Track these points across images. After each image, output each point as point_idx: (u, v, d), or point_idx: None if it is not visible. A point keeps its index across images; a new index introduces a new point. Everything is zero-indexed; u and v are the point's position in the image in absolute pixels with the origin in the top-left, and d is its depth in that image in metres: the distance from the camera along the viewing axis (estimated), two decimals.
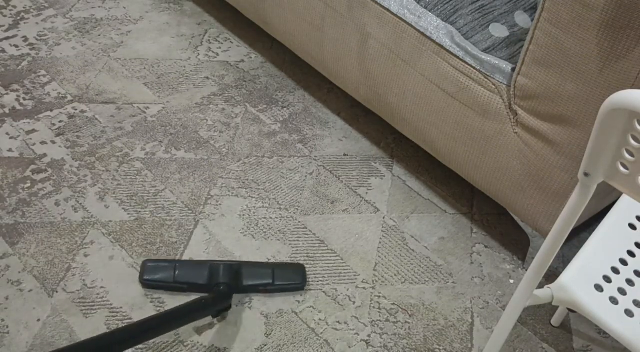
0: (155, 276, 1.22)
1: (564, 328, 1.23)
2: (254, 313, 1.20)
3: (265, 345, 1.16)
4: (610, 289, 0.85)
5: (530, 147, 1.12)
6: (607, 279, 0.86)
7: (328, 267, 1.29)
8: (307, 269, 1.28)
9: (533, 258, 0.97)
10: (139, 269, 1.25)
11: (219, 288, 1.19)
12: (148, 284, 1.22)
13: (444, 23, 1.18)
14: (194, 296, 1.21)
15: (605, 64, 0.93)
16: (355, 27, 1.32)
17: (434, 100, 1.24)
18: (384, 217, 1.39)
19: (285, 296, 1.23)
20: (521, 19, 1.21)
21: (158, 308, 1.19)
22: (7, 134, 1.48)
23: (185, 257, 1.28)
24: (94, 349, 0.91)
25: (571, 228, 0.75)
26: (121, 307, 1.19)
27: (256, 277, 1.23)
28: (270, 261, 1.28)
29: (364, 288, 1.26)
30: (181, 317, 1.07)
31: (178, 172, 1.44)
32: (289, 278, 1.24)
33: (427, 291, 1.27)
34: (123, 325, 0.97)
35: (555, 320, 1.23)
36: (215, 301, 1.15)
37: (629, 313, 0.82)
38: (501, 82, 1.12)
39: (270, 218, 1.37)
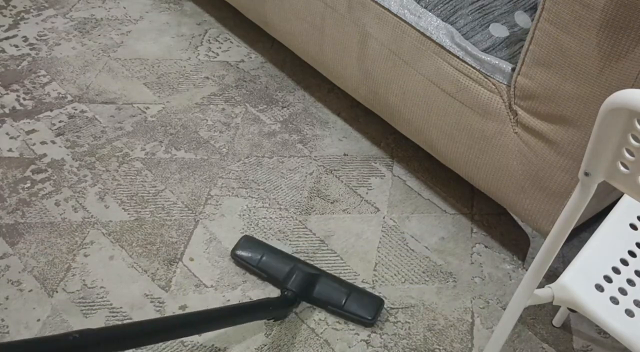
0: (244, 253, 1.26)
1: (564, 328, 1.23)
2: None
3: (265, 345, 1.16)
4: (611, 289, 0.85)
5: (530, 147, 1.12)
6: (608, 279, 0.86)
7: (328, 267, 1.29)
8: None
9: (533, 258, 0.97)
10: (238, 240, 1.28)
11: (285, 294, 1.17)
12: (235, 259, 1.27)
13: (444, 23, 1.18)
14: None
15: (605, 64, 0.93)
16: (355, 27, 1.32)
17: (434, 100, 1.24)
18: (384, 217, 1.39)
19: None
20: (521, 19, 1.21)
21: (158, 308, 1.19)
22: (7, 134, 1.48)
23: (185, 257, 1.28)
24: (153, 330, 0.92)
25: (571, 228, 0.75)
26: (121, 307, 1.19)
27: (328, 294, 1.19)
28: (353, 284, 1.23)
29: (364, 288, 1.26)
30: (241, 315, 1.07)
31: (178, 172, 1.44)
32: (360, 308, 1.18)
33: (427, 291, 1.27)
34: (176, 314, 0.97)
35: (557, 320, 1.23)
36: (277, 306, 1.14)
37: (629, 313, 0.82)
38: (501, 82, 1.12)
39: (270, 218, 1.37)
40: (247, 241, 1.28)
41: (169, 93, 1.63)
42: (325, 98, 1.66)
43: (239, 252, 1.26)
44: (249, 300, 1.22)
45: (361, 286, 1.26)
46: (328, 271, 1.25)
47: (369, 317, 1.18)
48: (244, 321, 1.09)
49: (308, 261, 1.28)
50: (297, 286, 1.19)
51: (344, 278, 1.27)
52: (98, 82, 1.63)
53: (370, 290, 1.25)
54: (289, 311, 1.18)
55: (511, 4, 1.22)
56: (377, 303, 1.20)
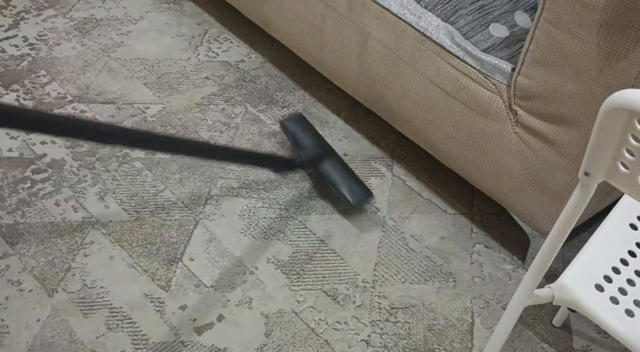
0: (292, 126, 1.46)
1: (564, 328, 1.23)
2: (254, 313, 1.20)
3: (265, 345, 1.16)
4: (611, 289, 0.85)
5: (530, 147, 1.12)
6: (608, 279, 0.86)
7: (328, 267, 1.29)
8: (308, 267, 1.28)
9: (533, 258, 0.97)
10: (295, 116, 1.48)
11: (295, 159, 1.36)
12: (283, 125, 1.47)
13: (444, 23, 1.18)
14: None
15: (605, 64, 0.93)
16: (355, 27, 1.32)
17: (434, 100, 1.24)
18: (384, 217, 1.39)
19: (285, 296, 1.23)
20: (521, 19, 1.21)
21: (158, 308, 1.19)
22: (7, 134, 1.48)
23: (185, 257, 1.28)
24: (175, 144, 1.02)
25: (571, 228, 0.75)
26: (121, 307, 1.19)
27: (329, 172, 1.38)
28: (354, 173, 1.41)
29: (364, 288, 1.26)
30: (251, 157, 1.22)
31: (178, 172, 1.44)
32: (349, 192, 1.35)
33: (427, 291, 1.27)
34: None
35: (557, 320, 1.23)
36: (284, 164, 1.32)
37: (629, 313, 0.82)
38: (501, 82, 1.12)
39: (270, 218, 1.37)
40: (298, 118, 1.49)
41: (169, 93, 1.63)
42: (325, 98, 1.66)
43: (288, 123, 1.46)
44: (248, 298, 1.22)
45: (361, 285, 1.26)
46: (342, 162, 1.42)
47: (351, 202, 1.34)
48: (250, 163, 1.24)
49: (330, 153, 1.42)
50: (309, 158, 1.38)
51: (344, 278, 1.27)
52: (98, 82, 1.63)
53: (370, 290, 1.25)
54: (290, 172, 1.39)
55: (511, 4, 1.22)
56: (365, 194, 1.37)
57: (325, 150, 1.43)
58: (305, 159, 1.37)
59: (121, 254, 1.27)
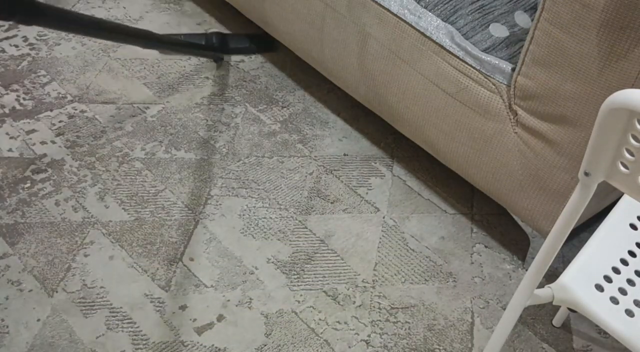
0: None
1: (564, 328, 1.23)
2: (254, 313, 1.20)
3: (265, 345, 1.16)
4: (611, 289, 0.85)
5: (530, 147, 1.12)
6: (608, 279, 0.86)
7: (328, 267, 1.29)
8: (308, 267, 1.28)
9: (533, 258, 0.97)
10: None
11: (212, 41, 1.69)
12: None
13: (444, 23, 1.18)
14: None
15: (605, 64, 0.93)
16: (355, 27, 1.32)
17: (434, 100, 1.24)
18: (384, 217, 1.39)
19: (285, 296, 1.23)
20: (521, 19, 1.21)
21: (158, 308, 1.19)
22: (7, 134, 1.48)
23: (185, 257, 1.28)
24: (72, 18, 1.14)
25: (571, 228, 0.75)
26: (121, 307, 1.19)
27: (238, 43, 1.74)
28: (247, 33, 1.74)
29: (364, 288, 1.26)
30: (179, 42, 1.54)
31: (178, 172, 1.44)
32: (259, 43, 1.75)
33: (427, 291, 1.27)
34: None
35: (557, 320, 1.23)
36: (209, 45, 1.66)
37: (629, 313, 0.82)
38: (501, 82, 1.12)
39: (270, 218, 1.37)
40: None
41: (169, 93, 1.63)
42: (325, 98, 1.66)
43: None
44: (248, 298, 1.22)
45: (361, 285, 1.26)
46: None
47: (248, 45, 1.74)
48: (181, 49, 1.55)
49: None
50: (217, 43, 1.68)
51: (344, 278, 1.27)
52: (98, 82, 1.63)
53: (370, 290, 1.25)
54: (218, 52, 1.67)
55: (511, 4, 1.22)
56: (270, 40, 1.76)
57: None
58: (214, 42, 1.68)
59: (121, 254, 1.27)
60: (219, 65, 1.69)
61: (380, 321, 1.21)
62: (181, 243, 1.30)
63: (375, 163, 1.51)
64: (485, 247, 1.36)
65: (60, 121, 1.52)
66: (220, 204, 1.38)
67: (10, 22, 1.78)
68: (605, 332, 1.23)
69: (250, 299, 1.22)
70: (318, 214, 1.39)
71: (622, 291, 0.85)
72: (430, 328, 1.21)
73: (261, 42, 1.75)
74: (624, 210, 0.94)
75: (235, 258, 1.29)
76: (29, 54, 1.69)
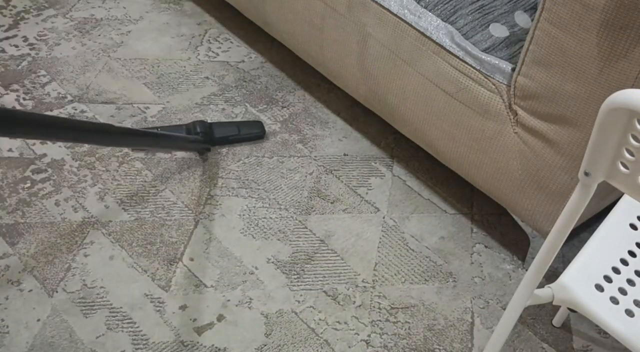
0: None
1: (564, 328, 1.23)
2: (254, 313, 1.20)
3: (265, 345, 1.16)
4: (611, 289, 0.85)
5: (530, 147, 1.12)
6: (608, 279, 0.86)
7: (328, 267, 1.29)
8: (308, 267, 1.28)
9: (533, 258, 0.97)
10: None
11: (198, 134, 1.46)
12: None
13: (444, 23, 1.18)
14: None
15: (605, 64, 0.93)
16: (355, 27, 1.32)
17: (434, 100, 1.24)
18: (384, 217, 1.39)
19: (285, 296, 1.23)
20: (521, 19, 1.21)
21: (158, 308, 1.19)
22: None
23: (185, 257, 1.28)
24: (52, 123, 0.97)
25: (571, 228, 0.75)
26: (121, 307, 1.19)
27: (225, 131, 1.50)
28: (234, 121, 1.54)
29: (364, 288, 1.26)
30: (165, 138, 1.28)
31: (178, 172, 1.44)
32: (251, 130, 1.52)
33: (427, 291, 1.27)
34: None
35: (557, 320, 1.23)
36: (194, 139, 1.41)
37: (629, 313, 0.82)
38: (501, 82, 1.12)
39: (270, 218, 1.37)
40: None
41: (169, 93, 1.63)
42: (325, 98, 1.66)
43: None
44: (248, 298, 1.22)
45: (361, 285, 1.26)
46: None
47: (260, 131, 1.52)
48: (167, 146, 1.31)
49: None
50: (202, 129, 1.46)
51: (344, 278, 1.27)
52: (98, 82, 1.63)
53: (370, 290, 1.25)
54: (205, 144, 1.45)
55: (511, 4, 1.22)
56: (260, 124, 1.53)
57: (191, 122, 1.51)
58: (199, 133, 1.46)
59: (121, 254, 1.27)
60: (204, 158, 1.47)
61: (380, 321, 1.21)
62: (181, 243, 1.30)
63: (375, 163, 1.51)
64: (485, 247, 1.36)
65: None
66: (220, 204, 1.38)
67: (10, 22, 1.78)
68: (605, 332, 1.23)
69: (250, 299, 1.22)
70: (318, 214, 1.39)
71: (622, 291, 0.85)
72: (430, 328, 1.21)
73: (253, 127, 1.52)
74: (624, 210, 0.94)
75: (235, 258, 1.29)
76: (29, 54, 1.69)
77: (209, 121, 1.54)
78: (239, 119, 1.57)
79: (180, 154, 1.48)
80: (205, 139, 1.45)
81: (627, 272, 0.87)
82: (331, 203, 1.41)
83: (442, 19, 1.19)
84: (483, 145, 1.20)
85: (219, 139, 1.49)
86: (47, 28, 1.78)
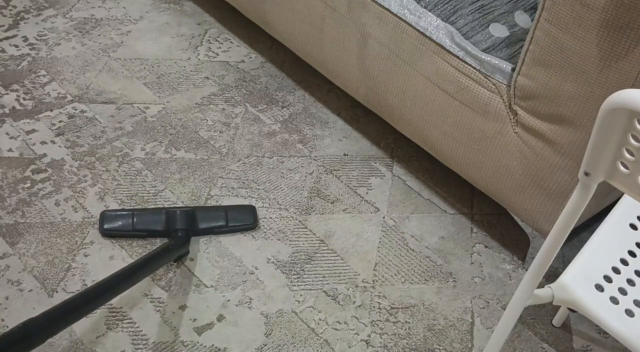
0: (115, 224, 1.28)
1: (564, 328, 1.23)
2: (254, 313, 1.20)
3: (265, 345, 1.16)
4: (611, 289, 0.85)
5: (530, 147, 1.12)
6: (608, 279, 0.86)
7: (328, 267, 1.29)
8: (308, 267, 1.28)
9: (533, 258, 0.97)
10: (98, 220, 1.31)
11: (177, 234, 1.26)
12: (108, 233, 1.28)
13: (444, 23, 1.18)
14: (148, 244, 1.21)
15: (605, 64, 0.93)
16: (355, 27, 1.32)
17: (434, 100, 1.24)
18: (384, 217, 1.39)
19: (285, 296, 1.23)
20: (521, 19, 1.21)
21: (158, 308, 1.19)
22: (7, 134, 1.48)
23: (185, 257, 1.28)
24: (66, 311, 0.92)
25: (571, 228, 0.75)
26: (121, 307, 1.19)
27: (210, 220, 1.31)
28: (222, 205, 1.36)
29: (364, 288, 1.26)
30: (149, 266, 1.11)
31: (178, 172, 1.44)
32: (241, 219, 1.32)
33: (427, 291, 1.27)
34: (93, 286, 0.98)
35: (557, 320, 1.23)
36: (176, 247, 1.21)
37: (629, 313, 0.82)
38: (501, 82, 1.12)
39: (270, 218, 1.37)
40: (109, 213, 1.30)
41: (169, 93, 1.63)
42: (325, 98, 1.66)
43: (108, 226, 1.28)
44: (248, 298, 1.22)
45: (361, 285, 1.26)
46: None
47: (251, 222, 1.32)
48: (152, 271, 1.14)
49: (197, 211, 1.32)
50: (183, 223, 1.27)
51: (344, 278, 1.27)
52: (98, 82, 1.63)
53: (370, 290, 1.25)
54: (186, 248, 1.25)
55: (511, 4, 1.22)
56: (251, 209, 1.34)
57: (170, 209, 1.31)
58: (180, 226, 1.27)
59: (121, 254, 1.27)
60: (179, 264, 1.26)
61: (380, 321, 1.21)
62: None
63: (375, 163, 1.51)
64: (485, 247, 1.36)
65: (60, 121, 1.52)
66: (220, 204, 1.38)
67: (10, 22, 1.78)
68: (605, 332, 1.23)
69: (250, 299, 1.22)
70: (318, 214, 1.39)
71: (622, 291, 0.85)
72: (430, 328, 1.21)
73: (243, 215, 1.33)
74: (624, 210, 0.94)
75: (235, 258, 1.29)
76: (29, 54, 1.69)
77: (191, 206, 1.34)
78: (238, 119, 1.57)
79: (180, 154, 1.48)
80: (187, 235, 1.27)
81: (627, 272, 0.87)
82: (331, 203, 1.41)
83: (442, 19, 1.19)
84: (483, 145, 1.20)
85: (202, 231, 1.30)
86: (47, 28, 1.78)
